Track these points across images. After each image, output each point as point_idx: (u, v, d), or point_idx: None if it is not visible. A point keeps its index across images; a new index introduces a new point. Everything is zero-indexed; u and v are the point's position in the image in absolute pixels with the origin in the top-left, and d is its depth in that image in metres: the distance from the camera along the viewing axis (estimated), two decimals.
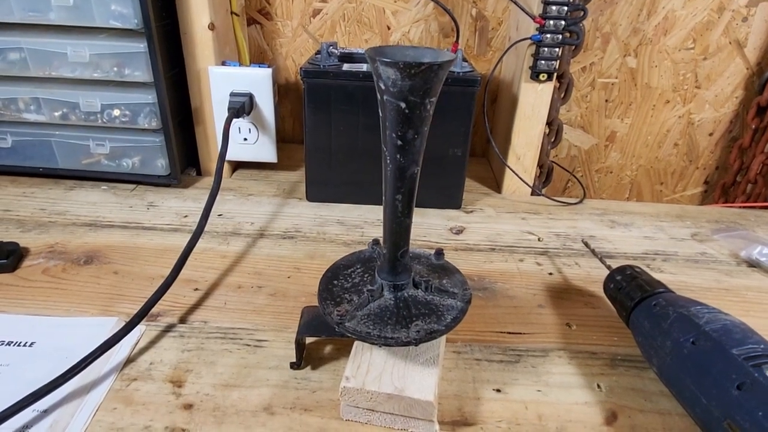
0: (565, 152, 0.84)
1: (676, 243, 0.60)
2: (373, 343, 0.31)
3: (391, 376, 0.33)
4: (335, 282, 0.36)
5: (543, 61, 0.59)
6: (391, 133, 0.29)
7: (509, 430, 0.34)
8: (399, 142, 0.29)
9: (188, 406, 0.34)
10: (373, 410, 0.33)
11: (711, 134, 0.81)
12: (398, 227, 0.32)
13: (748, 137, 0.78)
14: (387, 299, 0.34)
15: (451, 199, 0.64)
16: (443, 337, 0.38)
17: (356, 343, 0.35)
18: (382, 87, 0.27)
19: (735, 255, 0.57)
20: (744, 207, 0.73)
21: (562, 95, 0.66)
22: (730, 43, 0.74)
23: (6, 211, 0.58)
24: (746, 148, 0.79)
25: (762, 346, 0.33)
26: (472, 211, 0.64)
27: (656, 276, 0.51)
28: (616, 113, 0.80)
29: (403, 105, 0.27)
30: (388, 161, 0.30)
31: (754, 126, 0.76)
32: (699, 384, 0.33)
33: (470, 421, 0.34)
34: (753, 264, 0.56)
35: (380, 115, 0.29)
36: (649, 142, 0.82)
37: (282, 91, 0.81)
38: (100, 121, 0.62)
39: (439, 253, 0.39)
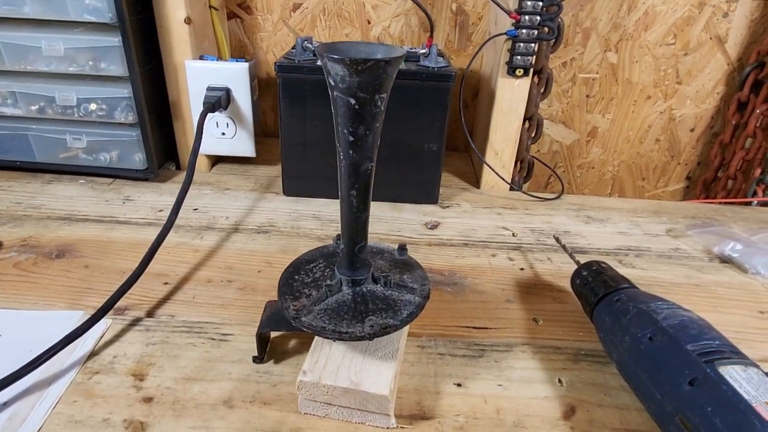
0: (547, 147, 0.84)
1: (650, 239, 0.60)
2: (327, 338, 0.32)
3: (348, 370, 0.33)
4: (296, 277, 0.36)
5: (519, 57, 0.59)
6: (342, 129, 0.29)
7: (466, 424, 0.34)
8: (351, 138, 0.29)
9: (148, 400, 0.35)
10: (330, 404, 0.33)
11: (692, 130, 0.81)
12: (354, 222, 0.32)
13: (729, 133, 0.78)
14: (345, 294, 0.34)
15: (428, 194, 0.64)
16: (404, 332, 0.38)
17: (316, 337, 0.36)
18: (332, 83, 0.27)
19: (708, 251, 0.58)
20: (723, 203, 0.73)
21: (542, 90, 0.66)
22: (711, 38, 0.74)
23: None
24: (727, 143, 0.79)
25: (717, 342, 0.33)
26: (448, 206, 0.64)
27: (626, 271, 0.51)
28: (597, 108, 0.80)
29: (352, 101, 0.27)
30: (342, 157, 0.30)
31: (734, 122, 0.77)
32: (654, 379, 0.33)
33: (428, 415, 0.35)
34: (725, 260, 0.56)
35: (333, 111, 0.29)
36: (630, 138, 0.82)
37: (263, 85, 0.80)
38: (76, 115, 0.62)
39: (402, 248, 0.39)
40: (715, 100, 0.79)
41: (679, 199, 0.88)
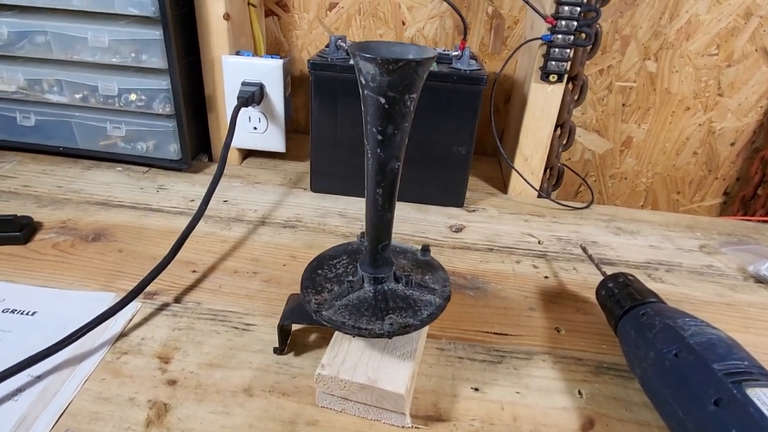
0: (579, 155, 0.83)
1: (682, 254, 0.58)
2: (346, 333, 0.32)
3: (366, 366, 0.33)
4: (319, 271, 0.37)
5: (553, 62, 0.58)
6: (371, 127, 0.29)
7: (482, 429, 0.34)
8: (379, 137, 0.29)
9: (172, 382, 0.36)
10: (347, 399, 0.34)
11: (732, 144, 0.79)
12: (379, 221, 0.33)
13: None
14: (366, 291, 0.35)
15: (454, 197, 0.64)
16: (423, 332, 0.38)
17: (336, 332, 0.36)
18: (363, 81, 0.28)
19: (743, 270, 0.56)
20: (761, 221, 0.70)
21: (576, 97, 0.65)
22: (756, 50, 0.71)
23: (26, 186, 0.61)
24: None
25: (746, 363, 0.32)
26: (474, 210, 0.64)
27: (656, 286, 0.50)
28: (633, 118, 0.79)
29: (382, 100, 0.28)
30: (369, 155, 0.30)
31: None
32: (677, 397, 0.32)
33: (444, 417, 0.35)
34: (760, 279, 0.54)
35: (362, 109, 0.30)
36: (666, 150, 0.80)
37: (296, 82, 0.82)
38: (117, 104, 0.64)
39: (425, 249, 0.39)
40: (758, 114, 0.76)
41: (716, 215, 0.85)
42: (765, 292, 0.52)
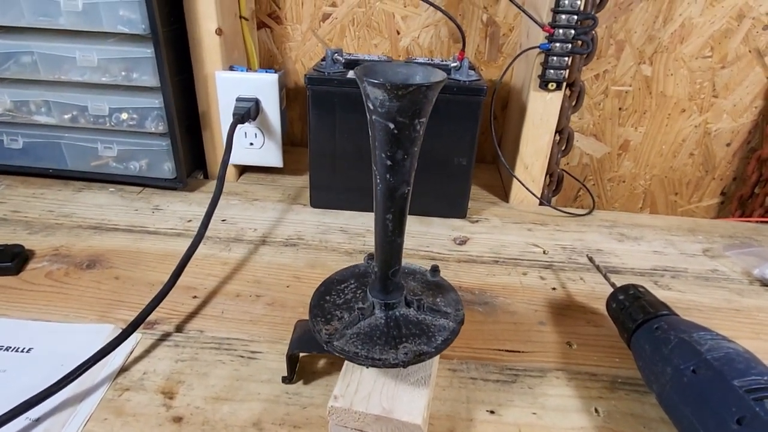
0: (577, 160, 0.83)
1: (686, 259, 0.58)
2: (360, 364, 0.31)
3: (380, 396, 0.32)
4: (327, 298, 0.36)
5: (552, 70, 0.58)
6: (380, 153, 0.28)
7: None
8: (388, 162, 0.28)
9: (178, 419, 0.34)
10: (361, 430, 0.33)
11: (728, 144, 0.79)
12: (389, 246, 0.32)
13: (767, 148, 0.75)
14: (378, 318, 0.34)
15: (456, 208, 0.63)
16: (436, 357, 0.37)
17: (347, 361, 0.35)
18: (371, 107, 0.27)
19: (747, 273, 0.56)
20: (760, 222, 0.70)
21: (574, 103, 0.64)
22: (749, 51, 0.72)
23: (15, 212, 0.59)
24: (765, 159, 0.76)
25: (766, 378, 0.32)
26: (477, 221, 0.63)
27: (663, 294, 0.50)
28: (629, 122, 0.78)
29: (391, 126, 0.27)
30: (378, 181, 0.29)
31: None
32: (698, 415, 0.32)
33: None
34: (766, 283, 0.54)
35: (370, 134, 0.29)
36: (663, 152, 0.80)
37: (291, 95, 0.80)
38: (108, 124, 0.63)
39: (435, 270, 0.38)
40: (753, 115, 0.76)
41: (713, 215, 0.85)
42: None
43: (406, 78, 0.28)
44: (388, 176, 0.29)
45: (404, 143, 0.28)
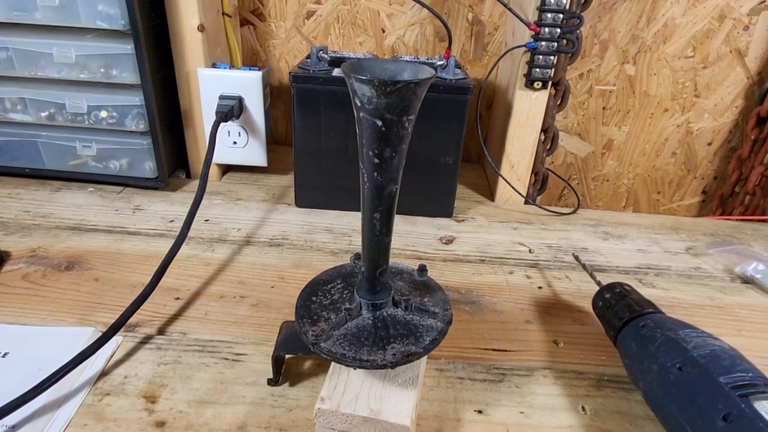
0: (561, 159, 0.83)
1: (670, 257, 0.58)
2: (348, 365, 0.30)
3: (368, 397, 0.32)
4: (314, 299, 0.35)
5: (538, 69, 0.58)
6: (368, 150, 0.28)
7: None
8: (376, 161, 0.28)
9: (161, 424, 0.34)
10: None
11: (710, 144, 0.80)
12: (377, 246, 0.31)
13: (747, 148, 0.76)
14: (365, 318, 0.33)
15: (442, 208, 0.63)
16: (423, 357, 0.37)
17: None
18: (358, 104, 0.26)
19: (729, 271, 0.56)
20: (741, 220, 0.71)
21: (558, 102, 0.64)
22: (730, 51, 0.73)
23: None
24: (745, 158, 0.77)
25: (750, 375, 0.32)
26: (463, 220, 0.63)
27: (647, 292, 0.50)
28: (613, 121, 0.79)
29: (379, 123, 0.26)
30: (366, 179, 0.29)
31: (753, 137, 0.75)
32: (684, 412, 0.32)
33: None
34: (747, 280, 0.55)
35: (357, 132, 0.28)
36: (646, 151, 0.81)
37: (275, 93, 0.79)
38: (87, 122, 0.61)
39: (422, 269, 0.38)
40: (734, 114, 0.77)
41: (695, 214, 0.86)
42: (752, 293, 0.53)
43: (394, 74, 0.28)
44: (375, 174, 0.28)
45: (392, 141, 0.27)
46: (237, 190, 0.67)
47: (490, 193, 0.71)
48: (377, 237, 0.31)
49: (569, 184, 0.76)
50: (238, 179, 0.70)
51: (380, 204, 0.30)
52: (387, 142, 0.27)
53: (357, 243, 0.56)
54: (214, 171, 0.69)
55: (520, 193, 0.66)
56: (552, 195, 0.87)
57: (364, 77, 0.25)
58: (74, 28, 0.56)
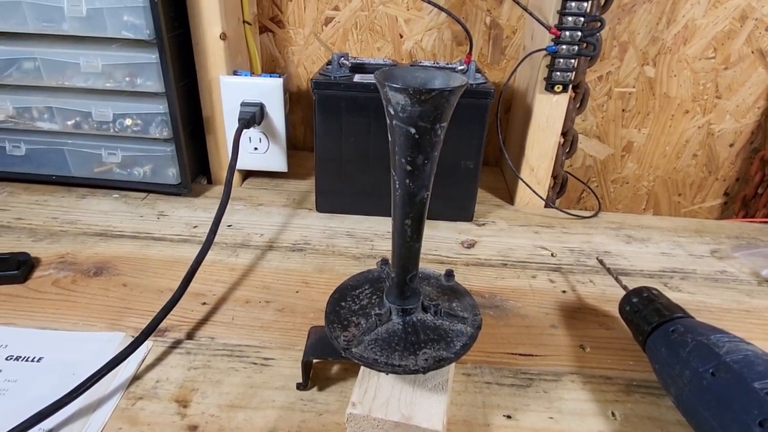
0: (581, 162, 0.83)
1: (694, 260, 0.58)
2: (380, 371, 0.31)
3: (399, 402, 0.32)
4: (342, 304, 0.35)
5: (558, 73, 0.58)
6: (400, 158, 0.28)
7: None
8: (408, 168, 0.28)
9: (193, 428, 0.34)
10: None
11: (731, 145, 0.79)
12: (407, 252, 0.32)
13: None
14: (395, 323, 0.33)
15: (463, 212, 0.63)
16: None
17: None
18: (392, 112, 0.27)
19: (756, 274, 0.56)
20: (765, 222, 0.70)
21: (578, 105, 0.64)
22: (752, 52, 0.72)
23: (19, 219, 0.59)
24: None
25: None
26: (484, 224, 0.63)
27: (673, 295, 0.49)
28: (633, 123, 0.79)
29: (412, 130, 0.27)
30: (398, 186, 0.29)
31: None
32: (719, 418, 0.32)
33: None
34: None
35: (389, 139, 0.28)
36: (667, 153, 0.80)
37: (293, 98, 0.80)
38: (112, 130, 0.62)
39: (449, 274, 0.38)
40: (756, 115, 0.76)
41: (717, 216, 0.85)
42: None
43: (425, 82, 0.28)
44: (407, 181, 0.29)
45: (425, 148, 0.27)
46: (258, 196, 0.68)
47: (509, 197, 0.71)
48: (408, 243, 0.31)
49: (589, 187, 0.75)
50: (258, 184, 0.71)
51: (412, 210, 0.30)
52: (419, 149, 0.27)
53: (379, 247, 0.56)
54: (235, 177, 0.69)
55: (540, 196, 0.65)
56: (571, 198, 0.86)
57: (398, 86, 0.25)
58: (101, 38, 0.57)
